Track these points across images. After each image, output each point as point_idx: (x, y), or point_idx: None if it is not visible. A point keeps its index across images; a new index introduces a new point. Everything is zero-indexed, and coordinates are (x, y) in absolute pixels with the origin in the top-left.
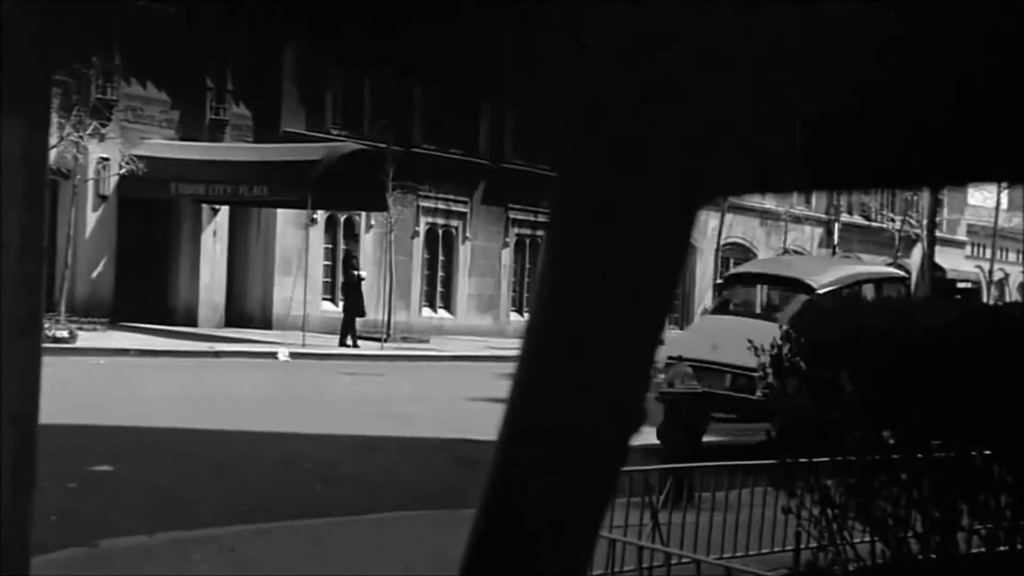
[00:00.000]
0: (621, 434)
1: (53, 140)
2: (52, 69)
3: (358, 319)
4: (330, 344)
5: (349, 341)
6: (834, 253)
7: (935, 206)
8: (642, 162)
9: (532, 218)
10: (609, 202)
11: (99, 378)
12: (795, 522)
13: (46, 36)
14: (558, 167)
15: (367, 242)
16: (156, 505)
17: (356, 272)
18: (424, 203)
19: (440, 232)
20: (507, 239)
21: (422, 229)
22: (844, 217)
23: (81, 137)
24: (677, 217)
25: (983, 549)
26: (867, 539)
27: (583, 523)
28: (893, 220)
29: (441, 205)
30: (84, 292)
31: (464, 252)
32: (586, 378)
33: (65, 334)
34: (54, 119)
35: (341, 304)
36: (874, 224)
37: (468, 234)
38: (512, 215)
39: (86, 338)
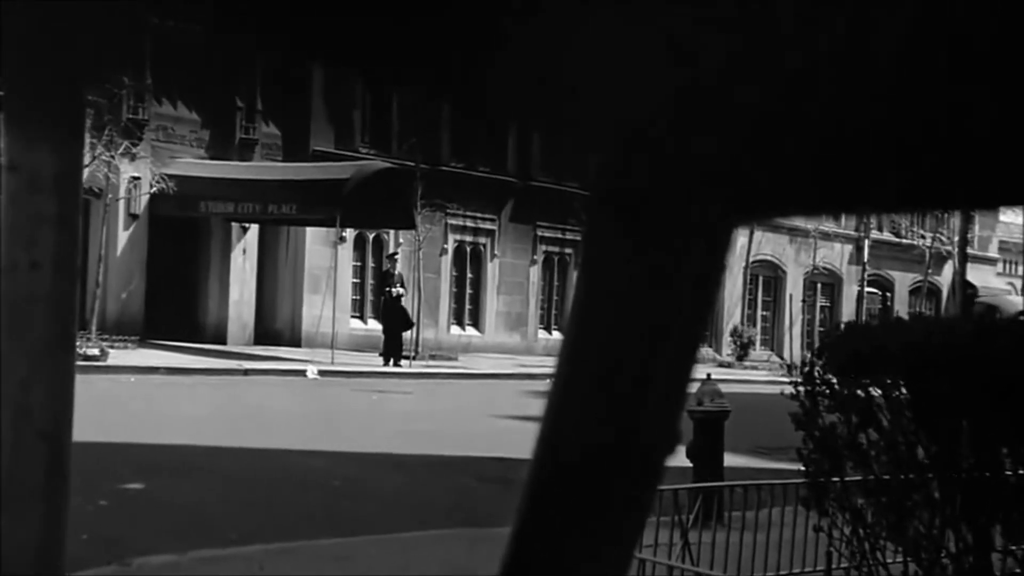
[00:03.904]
0: (655, 454)
1: (85, 160)
2: (85, 89)
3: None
4: (358, 362)
5: (391, 360)
6: (864, 271)
7: (966, 223)
8: (680, 182)
9: (560, 236)
10: (644, 222)
11: (130, 396)
12: (826, 541)
13: (77, 56)
14: (591, 187)
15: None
16: (186, 523)
17: (389, 288)
18: (452, 221)
19: (468, 250)
20: (535, 256)
21: (450, 247)
22: (874, 234)
23: (112, 157)
24: (714, 238)
25: (1018, 571)
26: (900, 559)
27: (618, 543)
28: (924, 237)
29: (469, 223)
30: (115, 310)
31: (492, 269)
32: (620, 398)
33: (96, 352)
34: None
35: (381, 324)
36: (904, 241)
37: (496, 252)
38: (540, 232)
39: (117, 356)
